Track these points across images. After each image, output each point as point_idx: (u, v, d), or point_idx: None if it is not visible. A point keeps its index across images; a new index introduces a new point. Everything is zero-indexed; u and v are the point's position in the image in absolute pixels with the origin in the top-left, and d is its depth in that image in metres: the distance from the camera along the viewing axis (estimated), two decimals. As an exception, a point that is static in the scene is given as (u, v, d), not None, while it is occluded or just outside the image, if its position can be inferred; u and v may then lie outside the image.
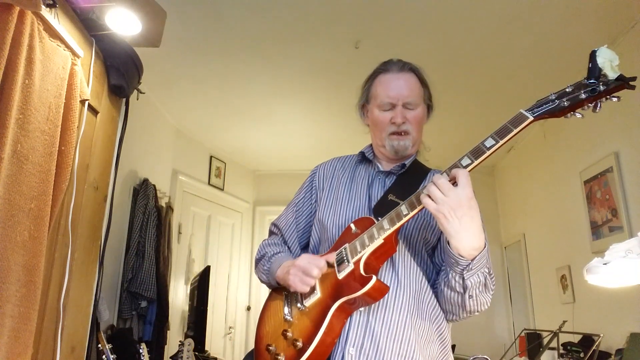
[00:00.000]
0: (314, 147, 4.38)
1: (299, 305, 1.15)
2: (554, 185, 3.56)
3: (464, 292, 1.05)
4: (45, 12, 1.37)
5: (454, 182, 0.98)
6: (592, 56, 0.92)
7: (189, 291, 3.94)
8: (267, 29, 2.71)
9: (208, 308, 3.53)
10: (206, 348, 3.58)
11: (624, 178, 2.65)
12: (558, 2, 2.41)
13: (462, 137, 3.98)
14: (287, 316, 1.17)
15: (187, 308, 3.94)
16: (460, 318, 1.15)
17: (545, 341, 2.73)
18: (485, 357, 2.50)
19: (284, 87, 3.40)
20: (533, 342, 3.29)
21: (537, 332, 3.42)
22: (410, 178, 1.26)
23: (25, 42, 1.28)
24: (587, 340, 2.61)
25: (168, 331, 3.27)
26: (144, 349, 2.25)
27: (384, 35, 2.75)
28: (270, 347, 1.15)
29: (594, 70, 0.91)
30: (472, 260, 1.00)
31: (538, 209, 3.89)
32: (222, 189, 4.67)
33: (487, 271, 1.07)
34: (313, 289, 1.13)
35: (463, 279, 1.03)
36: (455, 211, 0.95)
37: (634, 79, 0.90)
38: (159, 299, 3.09)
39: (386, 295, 1.08)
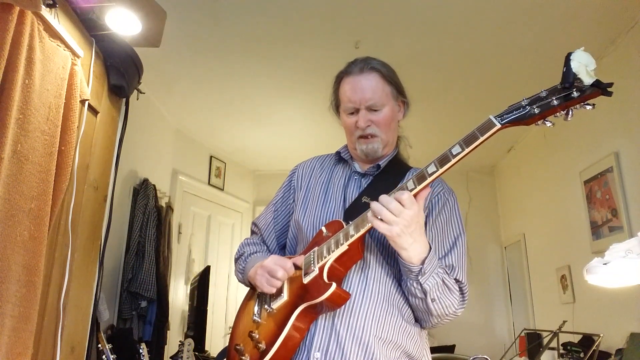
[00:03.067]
0: (314, 147, 4.35)
1: (266, 306, 1.15)
2: (554, 185, 3.56)
3: (425, 296, 1.07)
4: (45, 12, 1.37)
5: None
6: (567, 60, 0.86)
7: (189, 291, 3.94)
8: (267, 29, 2.71)
9: (208, 308, 3.53)
10: (206, 348, 3.59)
11: (624, 178, 2.65)
12: (558, 2, 2.41)
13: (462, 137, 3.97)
14: (255, 317, 1.18)
15: (187, 308, 3.93)
16: (432, 324, 1.15)
17: (545, 341, 2.73)
18: (485, 357, 2.49)
19: (284, 87, 3.40)
20: (533, 342, 3.29)
21: (537, 332, 3.42)
22: (386, 179, 1.25)
23: (25, 42, 1.28)
24: (587, 340, 2.61)
25: (168, 331, 3.27)
26: (144, 349, 2.26)
27: (384, 35, 2.75)
28: (238, 347, 1.16)
29: (568, 75, 0.85)
30: (423, 264, 1.04)
31: (538, 209, 3.89)
32: (222, 189, 4.67)
33: (444, 272, 1.09)
34: (281, 291, 1.13)
35: (420, 284, 1.06)
36: (408, 228, 0.99)
37: (610, 84, 0.83)
38: (159, 299, 3.09)
39: (353, 299, 1.09)
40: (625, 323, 2.51)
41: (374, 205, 1.00)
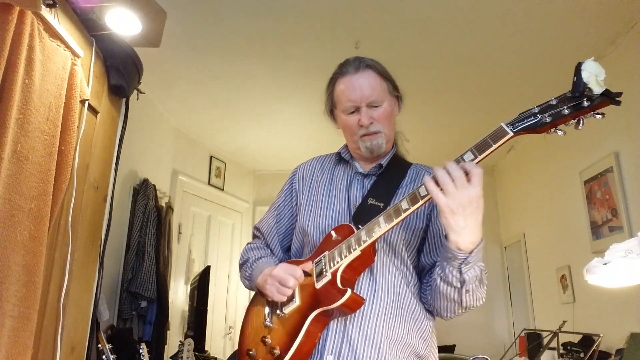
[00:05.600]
0: (314, 147, 4.37)
1: (278, 311, 1.15)
2: (554, 185, 3.56)
3: (461, 286, 1.02)
4: (45, 12, 1.36)
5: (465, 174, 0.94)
6: (577, 69, 0.87)
7: (189, 291, 3.94)
8: (267, 29, 2.71)
9: (208, 308, 3.53)
10: (206, 348, 3.58)
11: (624, 178, 2.65)
12: (558, 2, 2.41)
13: (462, 136, 3.98)
14: (267, 322, 1.18)
15: (187, 308, 3.94)
16: (456, 314, 1.12)
17: (545, 341, 2.73)
18: (485, 357, 2.49)
19: (284, 87, 3.40)
20: (533, 342, 3.29)
21: (537, 332, 3.42)
22: (389, 178, 1.25)
23: (25, 42, 1.28)
24: (587, 340, 2.61)
25: (168, 331, 3.27)
26: (144, 349, 2.25)
27: (384, 35, 2.75)
28: (250, 352, 1.16)
29: (579, 85, 0.86)
30: (470, 253, 0.98)
31: (538, 209, 3.89)
32: (222, 189, 4.67)
33: (482, 265, 1.05)
34: (292, 297, 1.14)
35: (460, 272, 1.01)
36: (465, 208, 0.93)
37: (619, 94, 0.85)
38: (159, 299, 3.09)
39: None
40: (625, 323, 2.51)
41: (440, 173, 0.94)
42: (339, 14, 2.57)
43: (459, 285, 1.03)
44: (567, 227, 3.33)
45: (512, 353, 3.57)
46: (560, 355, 2.62)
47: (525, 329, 3.45)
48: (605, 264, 1.27)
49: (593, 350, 2.32)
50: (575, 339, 2.77)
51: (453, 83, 3.27)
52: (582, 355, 2.52)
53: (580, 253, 3.11)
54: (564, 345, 2.69)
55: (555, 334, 2.60)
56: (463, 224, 0.94)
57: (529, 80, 3.16)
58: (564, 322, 2.64)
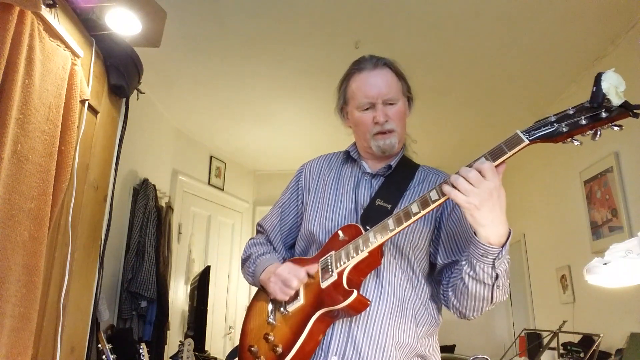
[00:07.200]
0: (314, 147, 4.37)
1: (282, 309, 1.15)
2: (554, 185, 3.56)
3: (493, 283, 1.01)
4: (45, 12, 1.36)
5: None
6: (597, 80, 0.85)
7: (189, 291, 3.94)
8: (267, 29, 2.71)
9: (208, 308, 3.53)
10: (206, 348, 3.58)
11: (624, 178, 2.65)
12: (558, 2, 2.41)
13: (462, 137, 3.98)
14: (270, 319, 1.17)
15: (187, 308, 3.93)
16: (482, 312, 1.09)
17: (545, 341, 2.73)
18: (485, 357, 2.49)
19: (284, 87, 3.40)
20: (533, 342, 3.29)
21: (537, 332, 3.42)
22: (397, 179, 1.24)
23: (25, 42, 1.28)
24: (587, 340, 2.61)
25: (168, 331, 3.27)
26: (144, 349, 2.25)
27: (384, 35, 2.75)
28: (252, 348, 1.16)
29: (598, 95, 0.84)
30: (503, 247, 0.97)
31: (538, 209, 3.89)
32: (222, 189, 4.67)
33: (508, 257, 1.03)
34: (297, 295, 1.13)
35: (493, 268, 0.99)
36: (487, 201, 0.92)
37: (638, 106, 0.83)
38: (159, 299, 3.09)
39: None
40: (625, 323, 2.51)
41: (454, 177, 0.95)
42: (339, 14, 2.57)
43: (491, 282, 1.01)
44: (567, 227, 3.33)
45: (512, 353, 3.57)
46: (560, 355, 2.62)
47: (525, 329, 3.45)
48: (605, 264, 1.27)
49: (593, 350, 2.32)
50: (575, 339, 2.77)
51: (453, 83, 3.27)
52: (582, 355, 2.52)
53: (580, 253, 3.11)
54: (564, 345, 2.69)
55: (555, 334, 2.60)
56: (490, 217, 0.93)
57: (529, 81, 3.16)
58: (564, 322, 2.64)
